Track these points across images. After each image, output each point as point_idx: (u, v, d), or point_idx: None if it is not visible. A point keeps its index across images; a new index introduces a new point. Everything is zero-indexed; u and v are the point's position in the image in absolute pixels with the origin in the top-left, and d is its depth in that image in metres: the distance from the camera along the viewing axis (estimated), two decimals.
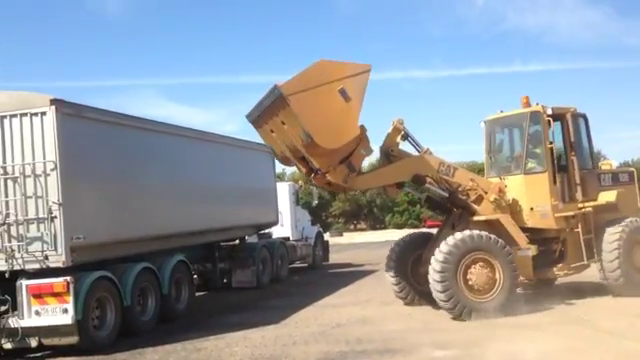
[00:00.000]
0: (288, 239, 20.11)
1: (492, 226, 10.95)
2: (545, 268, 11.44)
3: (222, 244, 16.33)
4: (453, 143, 76.88)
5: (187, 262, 12.98)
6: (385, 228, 57.75)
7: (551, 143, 11.32)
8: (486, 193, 11.23)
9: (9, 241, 9.34)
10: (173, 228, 12.34)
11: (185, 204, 12.70)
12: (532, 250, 10.91)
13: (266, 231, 18.77)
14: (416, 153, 11.38)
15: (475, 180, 11.45)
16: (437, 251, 10.38)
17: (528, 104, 11.70)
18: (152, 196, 11.61)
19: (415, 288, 11.71)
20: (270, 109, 9.62)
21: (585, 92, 74.94)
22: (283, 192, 19.94)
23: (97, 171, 10.12)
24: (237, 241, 16.97)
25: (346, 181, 10.29)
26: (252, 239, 18.07)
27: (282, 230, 19.88)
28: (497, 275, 10.29)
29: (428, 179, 11.30)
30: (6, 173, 9.41)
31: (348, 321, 10.92)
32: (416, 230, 13.97)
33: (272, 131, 10.04)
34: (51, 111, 9.20)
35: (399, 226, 55.32)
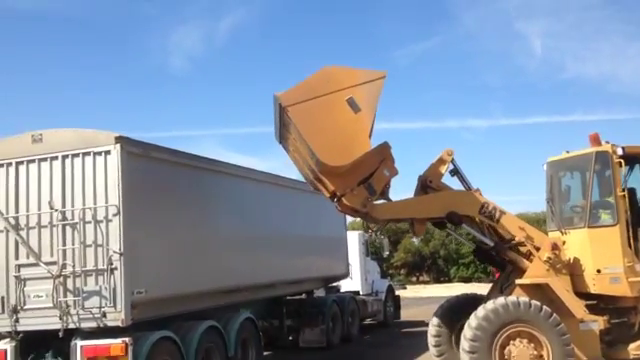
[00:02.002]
0: (358, 293, 18.61)
1: (544, 291, 9.13)
2: (617, 346, 9.39)
3: (289, 298, 15.05)
4: (514, 194, 74.02)
5: (254, 319, 11.74)
6: (450, 281, 54.97)
7: (624, 190, 9.43)
8: (538, 249, 9.40)
9: (64, 295, 8.35)
10: (240, 281, 11.22)
11: (254, 254, 11.63)
12: (599, 323, 9.02)
13: (334, 284, 17.42)
14: None
15: (525, 230, 9.61)
16: (473, 316, 8.74)
17: (597, 142, 9.80)
18: (220, 245, 10.56)
19: None
20: (282, 124, 8.47)
21: None
22: (353, 242, 18.59)
23: (162, 217, 9.13)
24: (304, 295, 15.67)
25: (365, 205, 8.80)
26: (320, 293, 16.75)
27: (351, 283, 18.44)
28: (545, 354, 8.52)
29: (469, 220, 9.59)
30: (65, 219, 8.52)
31: None
32: (467, 292, 11.94)
33: (293, 151, 8.86)
34: (116, 150, 8.31)
35: (465, 279, 52.56)
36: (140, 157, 8.71)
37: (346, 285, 18.20)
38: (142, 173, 8.72)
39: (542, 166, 10.88)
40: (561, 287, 9.10)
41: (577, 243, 9.72)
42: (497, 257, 9.99)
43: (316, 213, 14.73)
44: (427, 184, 9.62)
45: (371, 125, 8.21)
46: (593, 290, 9.41)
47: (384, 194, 9.24)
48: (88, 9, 71.23)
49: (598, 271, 9.40)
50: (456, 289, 41.12)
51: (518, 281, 9.43)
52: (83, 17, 70.74)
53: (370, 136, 8.24)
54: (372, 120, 8.23)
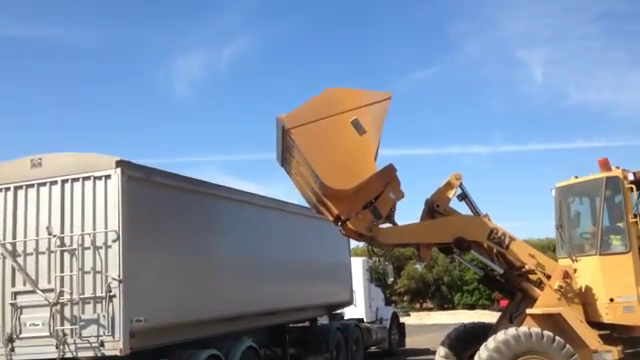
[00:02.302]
0: (362, 321, 18.22)
1: (555, 321, 8.84)
2: None
3: (292, 326, 14.71)
4: (516, 220, 73.67)
5: (257, 348, 11.42)
6: (454, 308, 54.29)
7: (635, 216, 9.23)
8: (549, 278, 9.11)
9: (61, 324, 8.11)
10: (242, 308, 10.95)
11: (257, 280, 11.38)
12: (613, 353, 8.72)
13: (338, 311, 17.06)
14: None
15: (536, 258, 9.32)
16: (483, 347, 8.46)
17: (607, 167, 9.62)
18: (221, 272, 10.33)
19: None
20: (284, 146, 8.29)
21: None
22: (357, 268, 18.26)
23: (163, 243, 8.93)
24: (308, 323, 15.32)
25: (370, 229, 8.56)
26: (323, 320, 16.38)
27: (355, 311, 18.06)
28: None
29: (477, 246, 9.32)
30: (63, 245, 8.32)
31: None
32: (472, 319, 11.55)
33: (296, 174, 8.67)
34: (116, 174, 8.15)
35: (470, 306, 51.92)
36: (141, 182, 8.54)
37: (350, 312, 17.81)
38: (143, 198, 8.55)
39: (550, 191, 10.69)
40: (574, 317, 8.83)
41: (589, 271, 9.46)
42: (506, 285, 9.72)
43: (320, 239, 14.49)
44: (434, 208, 9.38)
45: (376, 147, 8.05)
46: (606, 320, 9.14)
47: (390, 218, 9.01)
48: (91, 37, 72.12)
49: (611, 300, 9.15)
50: (460, 316, 40.54)
51: (529, 311, 9.16)
52: (87, 45, 71.64)
53: (375, 159, 8.08)
54: (377, 142, 8.05)
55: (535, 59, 77.06)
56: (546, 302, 9.05)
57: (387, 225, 9.09)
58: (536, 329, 8.54)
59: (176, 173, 9.45)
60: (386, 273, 20.59)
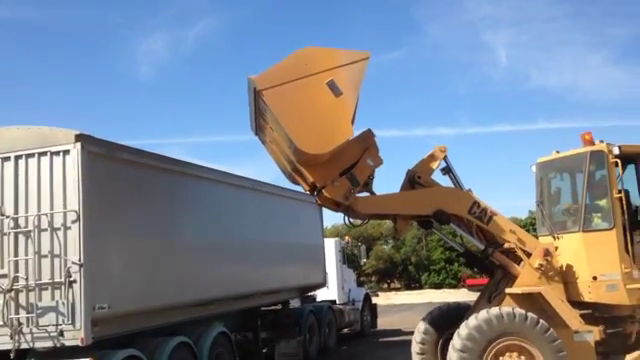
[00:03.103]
0: (334, 303, 17.94)
1: (535, 300, 8.60)
2: (615, 357, 8.91)
3: (264, 309, 14.26)
4: (485, 200, 74.76)
5: (228, 333, 10.93)
6: (421, 287, 54.73)
7: (620, 192, 8.92)
8: (529, 255, 8.85)
9: (16, 312, 7.46)
10: (213, 293, 10.44)
11: (227, 263, 10.87)
12: (595, 333, 8.52)
13: (311, 294, 16.68)
14: None
15: (517, 234, 9.01)
16: (463, 325, 8.22)
17: (591, 142, 9.28)
18: (190, 254, 9.75)
19: None
20: (257, 111, 7.82)
21: None
22: (329, 249, 17.90)
23: (127, 224, 8.31)
24: (280, 306, 14.89)
25: (347, 198, 8.11)
26: (295, 303, 15.99)
27: (327, 292, 17.73)
28: None
29: (458, 220, 8.99)
30: (17, 226, 7.63)
31: None
32: (450, 301, 11.14)
33: (270, 142, 8.20)
34: (76, 149, 7.47)
35: (436, 286, 52.40)
36: (103, 158, 7.88)
37: (322, 294, 17.50)
38: (105, 175, 7.90)
39: (530, 167, 10.34)
40: (554, 296, 8.56)
41: (571, 248, 9.18)
42: (486, 262, 9.40)
43: (293, 219, 14.03)
44: (415, 179, 8.96)
45: (353, 110, 7.54)
46: (588, 299, 8.90)
47: (368, 186, 8.59)
48: (55, 16, 69.46)
49: (594, 278, 8.88)
50: (428, 296, 40.83)
51: (508, 290, 8.88)
52: (49, 24, 69.01)
53: (353, 122, 7.58)
54: (354, 104, 7.54)
55: (499, 42, 77.94)
56: (526, 281, 8.77)
57: (365, 194, 8.67)
58: (519, 310, 8.27)
59: (141, 149, 8.81)
60: (359, 254, 20.28)
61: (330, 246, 18.22)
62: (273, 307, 14.67)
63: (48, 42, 69.15)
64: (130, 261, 8.27)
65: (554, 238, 9.49)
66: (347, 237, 21.95)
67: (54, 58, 71.09)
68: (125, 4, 76.23)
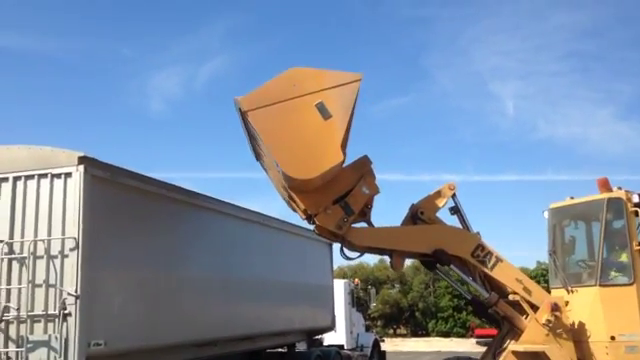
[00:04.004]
0: (342, 347, 17.14)
1: None
2: None
3: (269, 351, 13.54)
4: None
5: None
6: (428, 335, 53.34)
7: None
8: (536, 309, 8.08)
9: (5, 345, 6.92)
10: (217, 332, 9.83)
11: (233, 301, 10.31)
12: None
13: (318, 337, 15.94)
14: None
15: (523, 283, 8.23)
16: None
17: (607, 187, 8.74)
18: (194, 290, 9.22)
19: None
20: (250, 136, 7.45)
21: None
22: (338, 291, 17.22)
23: (129, 255, 7.80)
24: (285, 349, 14.17)
25: (340, 227, 7.57)
26: (301, 346, 15.25)
27: (335, 337, 16.96)
28: None
29: (461, 263, 8.33)
30: (12, 252, 7.14)
31: None
32: (459, 353, 10.35)
33: (268, 167, 7.82)
34: (78, 172, 7.04)
35: (444, 334, 51.01)
36: (107, 182, 7.44)
37: (330, 338, 16.74)
38: (108, 201, 7.44)
39: (543, 213, 9.71)
40: (561, 357, 7.81)
41: (586, 304, 8.47)
42: (490, 312, 8.59)
43: (302, 257, 13.48)
44: (418, 215, 8.36)
45: (343, 133, 7.08)
46: None
47: (365, 215, 8.08)
48: (66, 49, 70.60)
49: (612, 338, 8.17)
50: (436, 344, 39.64)
51: (511, 347, 8.14)
52: (61, 57, 70.07)
53: (344, 146, 7.12)
54: (345, 128, 7.08)
55: (507, 92, 78.35)
56: (532, 337, 7.99)
57: (362, 225, 8.17)
58: None
59: (147, 175, 8.34)
60: (369, 297, 19.55)
61: (339, 288, 17.56)
62: (279, 350, 13.99)
63: (55, 74, 70.07)
64: (130, 295, 7.73)
65: (567, 292, 8.80)
66: (356, 279, 21.26)
67: (62, 91, 71.92)
68: (138, 40, 77.50)
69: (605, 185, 8.82)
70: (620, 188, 8.76)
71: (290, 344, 14.26)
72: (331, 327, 15.47)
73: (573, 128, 76.65)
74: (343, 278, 23.44)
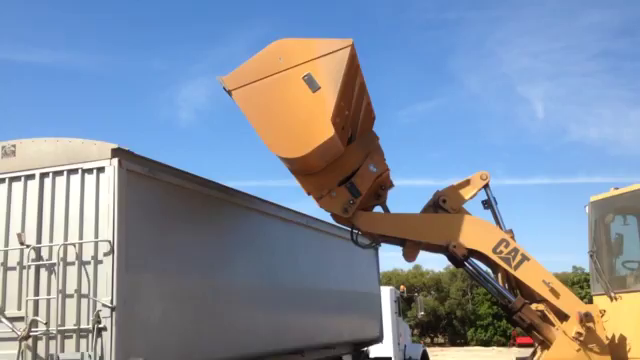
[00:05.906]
0: None
1: None
2: None
3: None
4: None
5: None
6: (467, 344, 51.85)
7: None
8: (564, 319, 6.96)
9: None
10: (263, 346, 8.90)
11: (280, 312, 9.38)
12: None
13: (364, 349, 14.91)
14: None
15: (552, 285, 7.04)
16: None
17: None
18: (239, 300, 8.33)
19: None
20: None
21: None
22: (384, 299, 16.20)
23: (169, 260, 6.94)
24: None
25: (346, 210, 6.94)
26: (347, 359, 14.25)
27: (381, 348, 15.90)
28: None
29: (483, 260, 7.34)
30: (39, 258, 6.34)
31: None
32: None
33: None
34: (112, 166, 6.21)
35: (484, 343, 49.46)
36: (144, 178, 6.60)
37: (375, 350, 15.68)
38: (146, 200, 6.61)
39: (584, 207, 8.46)
40: None
41: (633, 312, 7.31)
42: (514, 318, 7.36)
43: (349, 263, 12.51)
44: (439, 204, 7.44)
45: (334, 105, 6.32)
46: None
47: (380, 198, 7.36)
48: (96, 62, 71.45)
49: None
50: (478, 354, 38.19)
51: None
52: (91, 69, 70.93)
53: (336, 119, 6.36)
54: (336, 99, 6.33)
55: (536, 94, 76.89)
56: (560, 352, 6.84)
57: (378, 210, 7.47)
58: None
59: (189, 172, 7.48)
60: (417, 305, 18.44)
61: (385, 295, 16.50)
62: None
63: (86, 86, 71.34)
64: (171, 305, 6.86)
65: (610, 298, 7.62)
66: (402, 286, 20.17)
67: (93, 103, 73.07)
68: (168, 51, 78.07)
69: None
70: None
71: (336, 357, 13.29)
72: (379, 338, 14.47)
73: (605, 129, 74.69)
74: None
